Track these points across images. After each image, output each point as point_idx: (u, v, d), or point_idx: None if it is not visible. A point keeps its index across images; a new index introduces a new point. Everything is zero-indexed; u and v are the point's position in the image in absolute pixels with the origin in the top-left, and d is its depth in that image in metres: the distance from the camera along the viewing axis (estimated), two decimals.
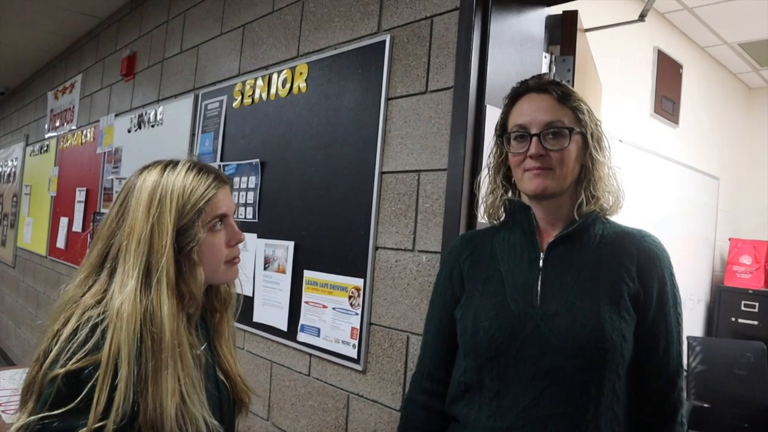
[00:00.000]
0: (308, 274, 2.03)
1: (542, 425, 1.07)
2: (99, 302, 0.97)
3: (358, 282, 1.84)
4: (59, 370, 0.89)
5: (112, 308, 0.95)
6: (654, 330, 1.12)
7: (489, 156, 1.25)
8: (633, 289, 1.11)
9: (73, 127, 4.49)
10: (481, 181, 1.32)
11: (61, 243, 4.47)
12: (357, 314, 1.84)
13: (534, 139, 1.12)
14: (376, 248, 1.81)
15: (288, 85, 2.20)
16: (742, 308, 3.98)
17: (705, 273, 4.25)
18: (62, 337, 0.93)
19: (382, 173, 1.81)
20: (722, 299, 4.13)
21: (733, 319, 4.02)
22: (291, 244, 2.11)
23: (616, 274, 1.12)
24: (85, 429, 0.87)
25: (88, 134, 4.14)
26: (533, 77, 1.21)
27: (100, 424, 0.87)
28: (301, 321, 2.04)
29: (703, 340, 3.83)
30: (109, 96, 3.89)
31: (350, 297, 1.87)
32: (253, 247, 2.30)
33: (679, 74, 3.70)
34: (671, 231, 3.46)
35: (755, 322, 3.94)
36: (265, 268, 2.23)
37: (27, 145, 5.81)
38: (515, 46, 1.71)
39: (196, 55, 2.88)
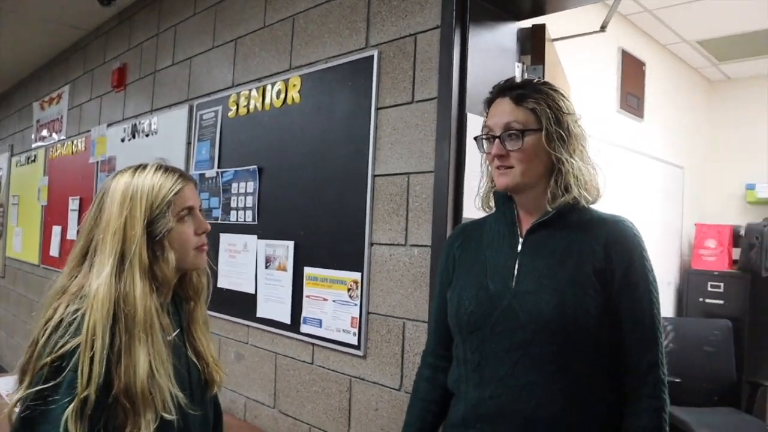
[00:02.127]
0: (308, 271, 2.21)
1: (518, 393, 1.21)
2: (81, 290, 1.14)
3: (356, 275, 2.03)
4: (46, 359, 1.07)
5: (90, 293, 1.12)
6: (622, 305, 1.22)
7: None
8: (599, 267, 1.22)
9: (63, 137, 4.59)
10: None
11: (54, 251, 4.57)
12: (356, 305, 2.02)
13: (496, 141, 1.26)
14: (371, 244, 2.00)
15: (282, 96, 2.38)
16: (709, 289, 4.24)
17: (674, 257, 4.51)
18: (49, 329, 1.10)
19: (374, 176, 2.00)
20: (690, 281, 4.38)
21: (700, 299, 4.28)
22: (291, 244, 2.29)
23: (584, 255, 1.23)
24: (75, 398, 1.03)
25: (79, 144, 4.25)
26: (503, 81, 1.35)
27: (85, 394, 1.04)
28: (304, 314, 2.22)
29: (673, 321, 4.08)
30: (99, 107, 4.00)
31: (349, 290, 2.05)
32: (254, 247, 2.47)
33: (642, 71, 3.94)
34: (641, 219, 3.69)
35: (721, 302, 4.20)
36: (266, 267, 2.40)
37: (12, 155, 5.87)
38: (491, 59, 1.90)
39: (189, 67, 3.03)
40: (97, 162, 3.89)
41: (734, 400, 3.95)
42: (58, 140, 4.67)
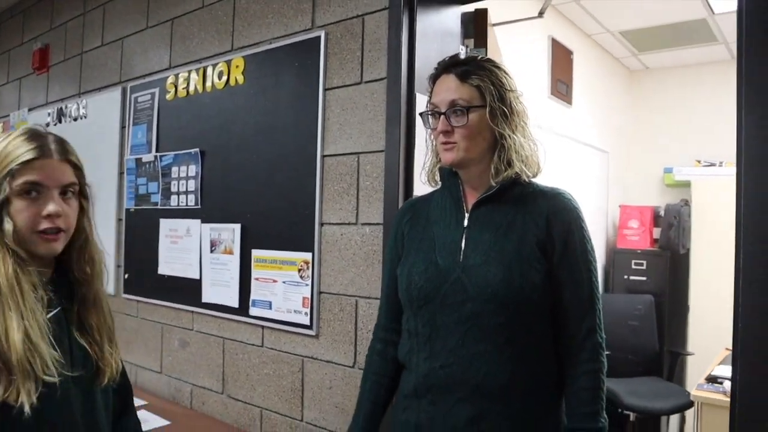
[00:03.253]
0: (256, 253, 2.20)
1: (468, 362, 1.25)
2: None
3: (307, 256, 2.03)
4: None
5: None
6: (562, 274, 1.27)
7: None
8: (541, 239, 1.27)
9: None
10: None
11: None
12: (307, 285, 2.03)
13: (441, 117, 1.28)
14: (322, 224, 2.01)
15: (225, 78, 2.33)
16: (633, 266, 4.48)
17: (600, 238, 4.74)
18: None
19: (323, 156, 2.01)
20: (616, 260, 4.62)
21: (625, 276, 4.52)
22: (237, 227, 2.26)
23: (527, 228, 1.28)
24: None
25: None
26: (448, 57, 1.36)
27: None
28: (252, 296, 2.20)
29: (600, 297, 4.30)
30: (18, 90, 3.78)
31: (300, 270, 2.05)
32: (197, 232, 2.43)
33: (570, 59, 4.11)
34: None
35: (644, 278, 4.45)
36: (211, 251, 2.36)
37: None
38: (437, 41, 1.94)
39: (121, 48, 2.92)
40: None
41: (657, 369, 4.22)
42: None
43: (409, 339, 1.36)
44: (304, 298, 2.04)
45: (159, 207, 2.60)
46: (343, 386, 1.96)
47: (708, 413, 2.78)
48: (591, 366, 1.27)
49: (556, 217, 1.29)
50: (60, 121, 3.30)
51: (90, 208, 1.23)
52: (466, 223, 1.33)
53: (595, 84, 4.61)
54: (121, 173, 2.86)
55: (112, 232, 2.89)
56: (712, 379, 2.94)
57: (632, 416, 3.82)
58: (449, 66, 1.33)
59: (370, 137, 1.89)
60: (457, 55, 1.42)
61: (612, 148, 4.85)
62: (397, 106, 1.81)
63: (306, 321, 2.03)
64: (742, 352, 1.30)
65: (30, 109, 3.61)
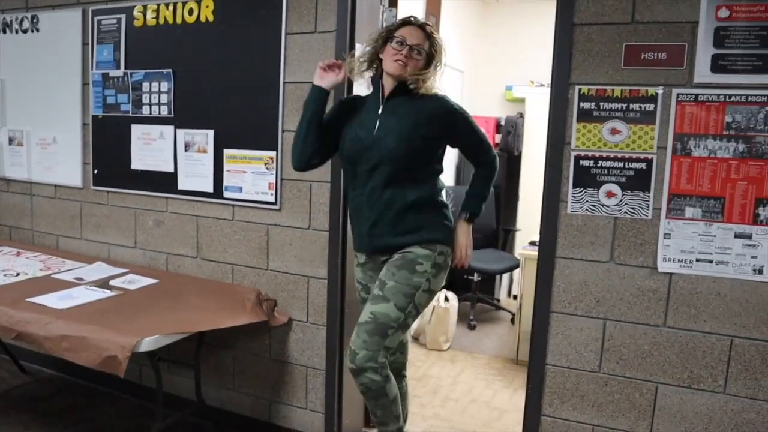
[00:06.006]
0: (228, 152, 2.98)
1: (370, 193, 2.22)
2: None
3: (272, 153, 2.87)
4: None
5: None
6: (458, 135, 2.27)
7: (368, 46, 2.31)
8: (428, 120, 2.17)
9: None
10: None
11: None
12: (272, 174, 2.88)
13: (407, 47, 2.16)
14: (284, 131, 2.84)
15: (195, 14, 2.97)
16: None
17: None
18: None
19: (285, 83, 2.81)
20: (466, 160, 5.83)
21: (472, 172, 5.76)
22: (210, 132, 3.00)
23: (418, 115, 2.17)
24: None
25: None
26: (421, 20, 2.27)
27: None
28: (225, 183, 3.00)
29: (454, 189, 5.52)
30: None
31: (266, 163, 2.89)
32: (171, 135, 3.12)
33: None
34: None
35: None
36: (186, 150, 3.09)
37: None
38: (368, 3, 2.77)
39: None
40: None
41: (495, 243, 5.61)
42: None
43: (348, 179, 2.38)
44: (270, 183, 2.89)
45: (130, 115, 3.22)
46: (300, 242, 2.88)
47: (528, 265, 4.10)
48: (490, 163, 2.39)
49: (438, 108, 2.22)
50: (5, 32, 3.64)
51: None
52: (380, 111, 2.25)
53: (456, 15, 5.60)
54: (85, 84, 3.39)
55: (77, 134, 3.45)
56: (533, 243, 4.26)
57: (476, 277, 5.17)
58: (423, 24, 2.26)
59: None
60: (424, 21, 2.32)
61: (467, 69, 5.95)
62: (343, 50, 2.65)
63: (272, 199, 2.90)
64: (545, 219, 2.43)
65: None
